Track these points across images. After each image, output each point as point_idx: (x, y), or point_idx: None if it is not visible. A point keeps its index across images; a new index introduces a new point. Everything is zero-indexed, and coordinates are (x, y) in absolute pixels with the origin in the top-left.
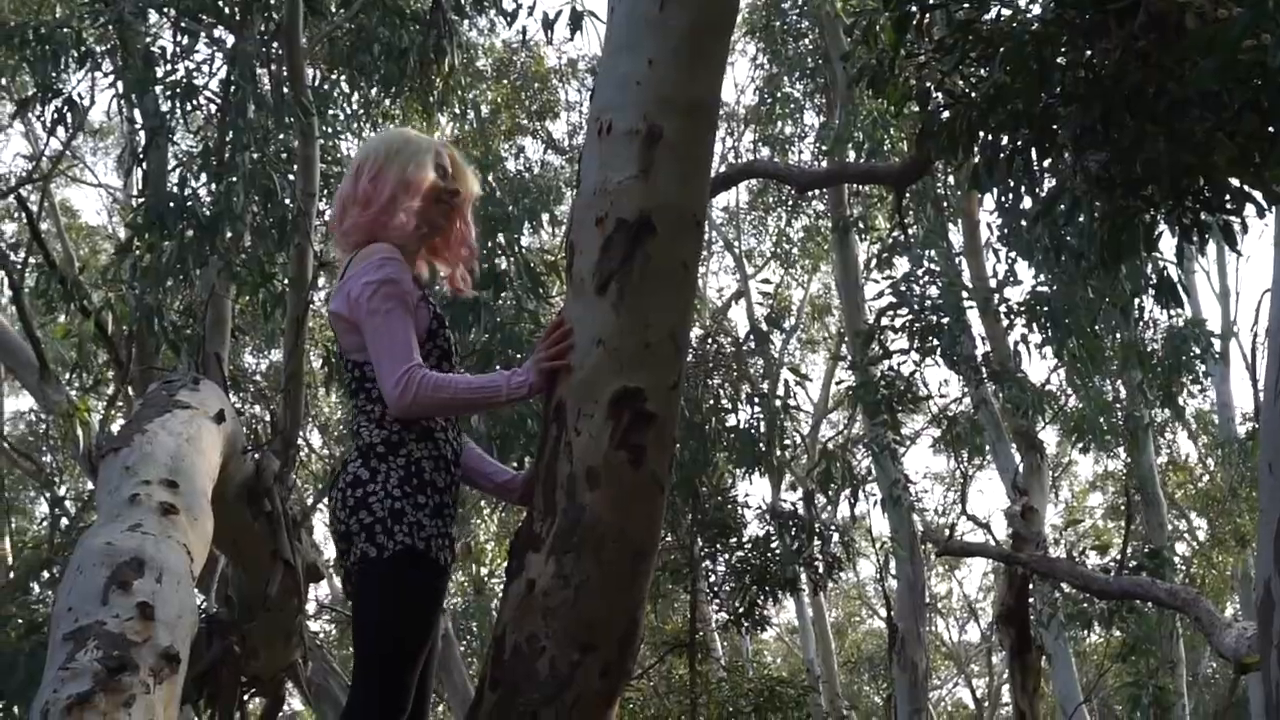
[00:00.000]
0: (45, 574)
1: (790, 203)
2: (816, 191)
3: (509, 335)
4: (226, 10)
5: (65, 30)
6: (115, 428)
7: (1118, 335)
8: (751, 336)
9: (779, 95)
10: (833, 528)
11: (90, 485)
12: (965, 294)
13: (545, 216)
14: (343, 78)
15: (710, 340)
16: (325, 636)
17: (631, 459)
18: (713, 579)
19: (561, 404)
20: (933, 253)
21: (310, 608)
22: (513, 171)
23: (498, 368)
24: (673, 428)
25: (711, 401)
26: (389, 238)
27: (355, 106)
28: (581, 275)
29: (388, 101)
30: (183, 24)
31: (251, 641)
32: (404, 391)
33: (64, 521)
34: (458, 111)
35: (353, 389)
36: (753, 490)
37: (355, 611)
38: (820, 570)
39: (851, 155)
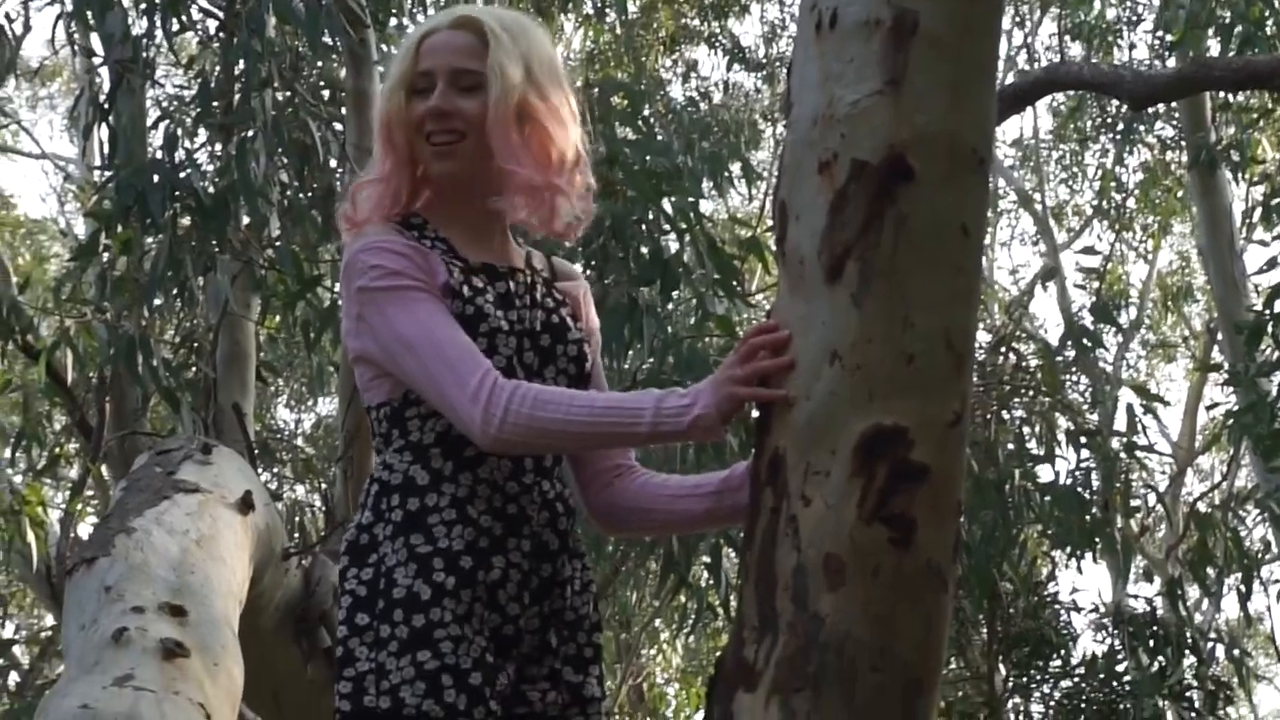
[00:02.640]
0: None
1: (1121, 127)
2: (1161, 108)
3: (688, 356)
4: None
5: None
6: (86, 528)
7: None
8: (1069, 341)
9: None
10: (1214, 636)
11: (51, 618)
12: None
13: (736, 167)
14: None
15: (1005, 349)
16: None
17: (895, 538)
18: None
19: (778, 457)
20: None
21: None
22: (680, 101)
23: None
24: (956, 487)
25: (1012, 445)
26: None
27: (432, 12)
28: (801, 254)
29: (481, 1)
30: None
31: None
32: (488, 411)
33: (13, 678)
34: (590, 11)
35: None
36: (1084, 583)
37: None
38: (1198, 705)
39: (1214, 46)
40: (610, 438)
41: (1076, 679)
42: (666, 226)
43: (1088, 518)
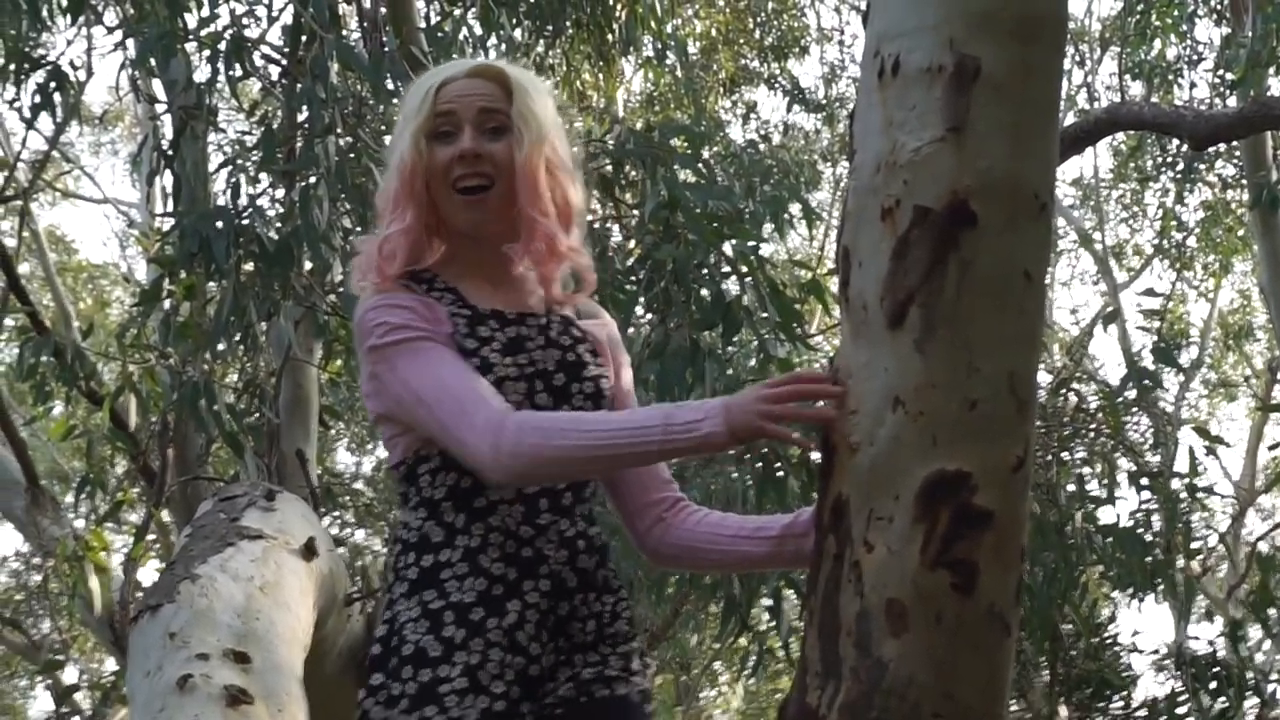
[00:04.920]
0: None
1: (1181, 166)
2: (1221, 147)
3: None
4: None
5: None
6: (149, 573)
7: None
8: (1130, 382)
9: None
10: (1276, 677)
11: (113, 663)
12: None
13: (796, 210)
14: (472, 13)
15: (1066, 390)
16: None
17: (958, 583)
18: None
19: (841, 503)
20: None
21: None
22: (740, 143)
23: (731, 452)
24: (1020, 531)
25: (1073, 487)
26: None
27: (494, 56)
28: (864, 299)
29: (542, 46)
30: None
31: None
32: (498, 441)
33: None
34: (651, 54)
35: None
36: (1145, 624)
37: None
38: None
39: (1275, 86)
40: (623, 458)
41: None
42: (728, 270)
43: (1149, 559)
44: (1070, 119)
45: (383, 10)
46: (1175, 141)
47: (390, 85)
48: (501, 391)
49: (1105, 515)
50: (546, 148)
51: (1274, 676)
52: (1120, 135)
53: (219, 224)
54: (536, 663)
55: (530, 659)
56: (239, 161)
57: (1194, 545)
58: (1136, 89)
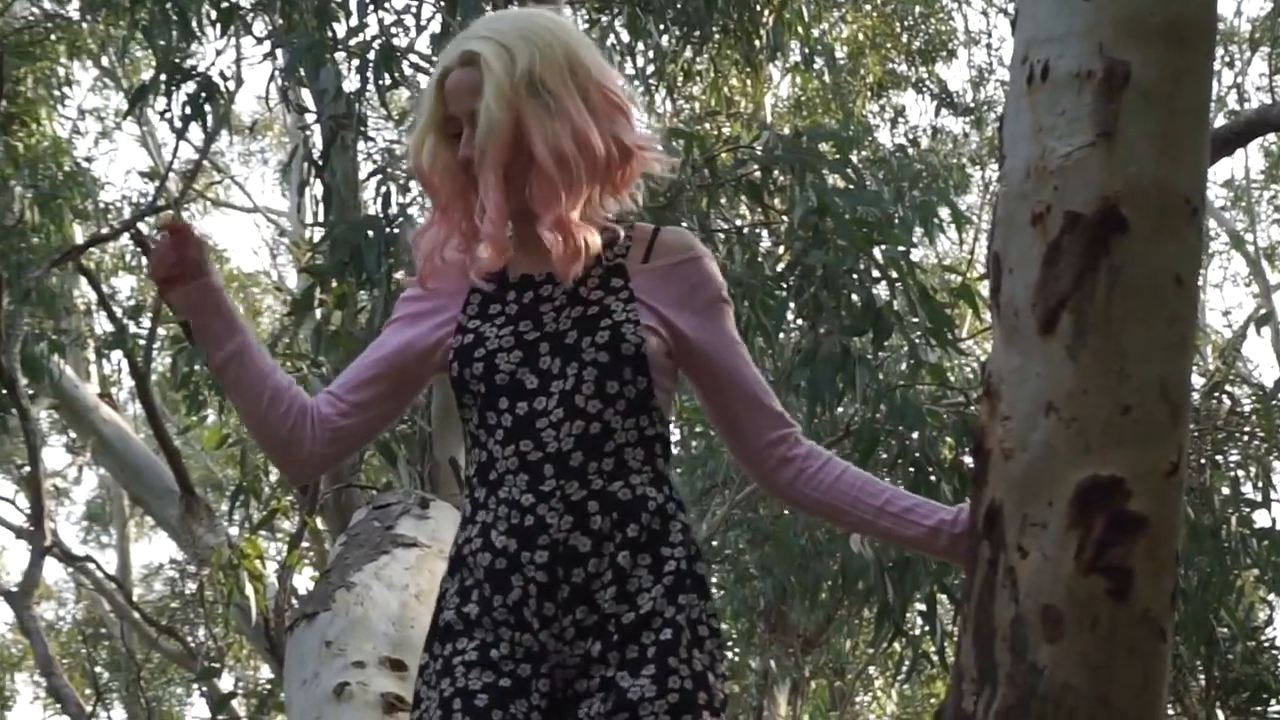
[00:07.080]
0: None
1: None
2: None
3: (901, 406)
4: None
5: None
6: (305, 582)
7: None
8: None
9: None
10: None
11: (269, 672)
12: None
13: (945, 214)
14: (619, 20)
15: (1219, 394)
16: None
17: (1113, 589)
18: None
19: (995, 508)
20: None
21: None
22: (888, 147)
23: (884, 456)
24: (1174, 537)
25: (1227, 491)
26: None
27: (641, 63)
28: (1015, 305)
29: (690, 52)
30: None
31: None
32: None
33: None
34: (798, 59)
35: None
36: None
37: None
38: None
39: None
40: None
41: None
42: (878, 275)
43: None
44: (1220, 120)
45: None
46: None
47: None
48: (492, 364)
49: (1260, 519)
50: (505, 134)
51: None
52: (1271, 136)
53: (369, 233)
54: (536, 637)
55: (534, 634)
56: (389, 170)
57: None
58: None
